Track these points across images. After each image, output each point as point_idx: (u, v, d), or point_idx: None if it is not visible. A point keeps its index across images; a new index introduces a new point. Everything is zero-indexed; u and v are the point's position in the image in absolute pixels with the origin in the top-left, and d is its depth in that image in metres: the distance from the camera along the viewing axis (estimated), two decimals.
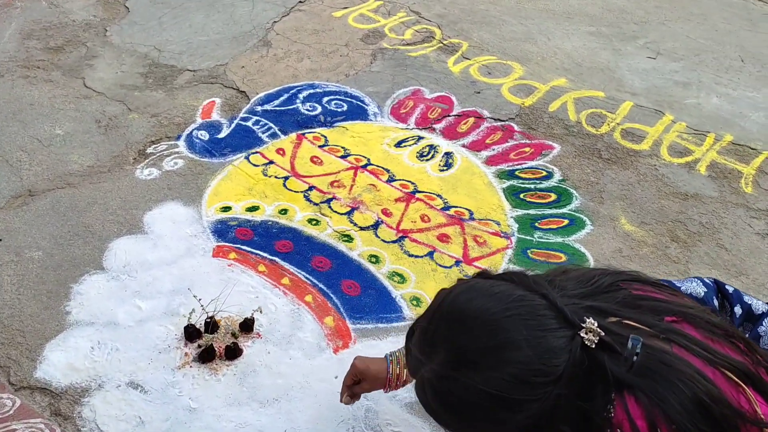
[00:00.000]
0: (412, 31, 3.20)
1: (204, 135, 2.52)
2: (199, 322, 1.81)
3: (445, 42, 3.11)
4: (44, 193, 2.24)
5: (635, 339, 0.88)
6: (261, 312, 1.84)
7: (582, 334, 0.87)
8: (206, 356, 1.76)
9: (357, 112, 2.66)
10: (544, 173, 2.39)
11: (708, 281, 1.21)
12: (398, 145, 2.50)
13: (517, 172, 2.40)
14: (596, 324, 0.88)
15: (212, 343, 1.76)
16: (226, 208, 2.22)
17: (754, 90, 2.87)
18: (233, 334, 1.81)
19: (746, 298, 1.17)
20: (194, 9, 3.28)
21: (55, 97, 2.67)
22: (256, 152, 2.45)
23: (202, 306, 1.82)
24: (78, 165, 2.37)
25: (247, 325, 1.84)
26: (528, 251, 2.10)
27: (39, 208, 2.18)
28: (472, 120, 2.63)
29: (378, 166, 2.40)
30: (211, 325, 1.81)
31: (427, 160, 2.44)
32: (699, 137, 2.56)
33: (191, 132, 2.54)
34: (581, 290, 0.96)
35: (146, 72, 2.84)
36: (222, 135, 2.53)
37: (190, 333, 1.80)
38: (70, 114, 2.59)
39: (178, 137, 2.51)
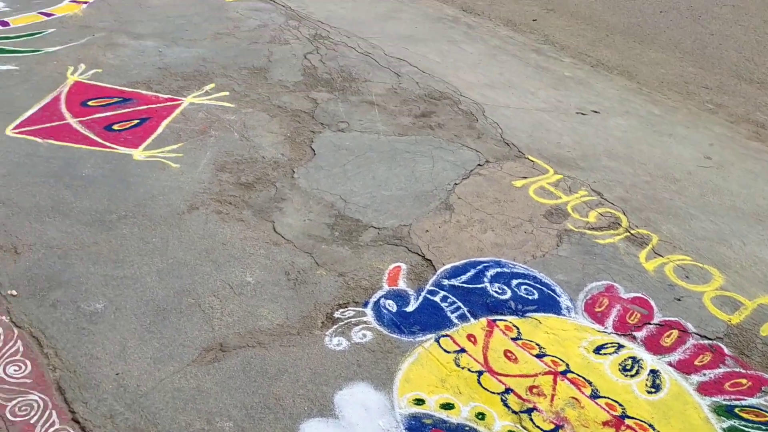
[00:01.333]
0: (596, 213, 3.09)
1: (392, 306, 2.44)
2: None
3: (632, 232, 2.98)
4: (235, 350, 2.18)
5: None
6: None
7: None
8: None
9: (549, 303, 2.52)
10: None
11: None
12: (597, 351, 2.32)
13: (737, 410, 2.15)
14: None
15: None
16: (419, 401, 2.07)
17: None
18: None
19: None
20: (377, 160, 3.33)
21: (246, 239, 2.69)
22: (447, 335, 2.33)
23: None
24: (268, 322, 2.31)
25: None
26: None
27: (230, 368, 2.11)
28: (675, 333, 2.43)
29: (579, 375, 2.21)
30: None
31: (632, 376, 2.24)
32: None
33: (378, 300, 2.46)
34: None
35: (332, 223, 2.84)
36: (410, 309, 2.43)
37: None
38: (261, 261, 2.58)
39: (365, 304, 2.43)
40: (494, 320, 2.42)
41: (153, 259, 2.52)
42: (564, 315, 2.48)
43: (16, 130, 3.14)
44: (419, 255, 2.71)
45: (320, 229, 2.80)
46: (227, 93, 3.76)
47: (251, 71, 4.07)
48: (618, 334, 2.41)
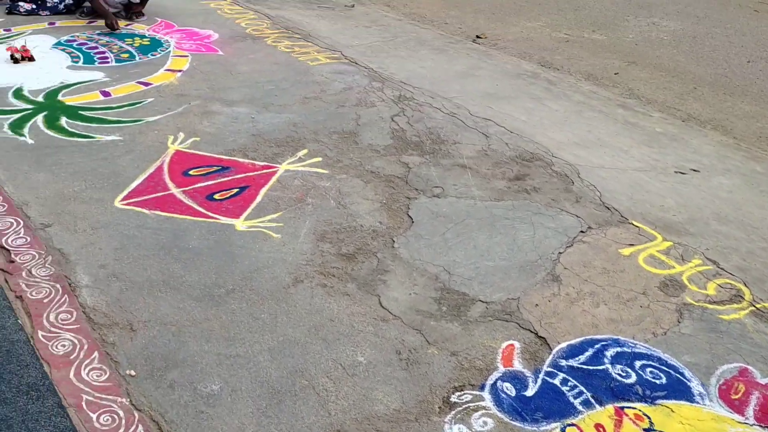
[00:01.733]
0: (714, 285, 2.91)
1: (510, 389, 2.32)
2: None
3: (757, 306, 2.79)
4: None
5: None
6: None
7: None
8: None
9: (679, 388, 2.35)
10: None
11: None
12: None
13: None
14: None
15: None
16: None
17: None
18: None
19: None
20: (476, 227, 3.25)
21: (353, 314, 2.64)
22: (573, 425, 2.19)
23: None
24: (384, 406, 2.23)
25: None
26: None
27: None
28: None
29: None
30: None
31: None
32: None
33: (495, 383, 2.35)
34: None
35: (439, 297, 2.76)
36: (529, 393, 2.31)
37: None
38: (370, 339, 2.52)
39: (482, 387, 2.33)
40: (622, 408, 2.27)
41: (264, 336, 2.50)
42: (697, 402, 2.30)
43: (124, 202, 3.23)
44: (531, 332, 2.60)
45: (427, 304, 2.73)
46: (320, 159, 3.79)
47: (341, 135, 4.10)
48: (761, 426, 2.21)
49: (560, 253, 3.10)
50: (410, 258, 3.00)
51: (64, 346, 2.35)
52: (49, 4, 6.05)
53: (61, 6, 6.07)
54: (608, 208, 3.49)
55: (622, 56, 6.25)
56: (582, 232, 3.27)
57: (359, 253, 3.02)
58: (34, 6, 6.03)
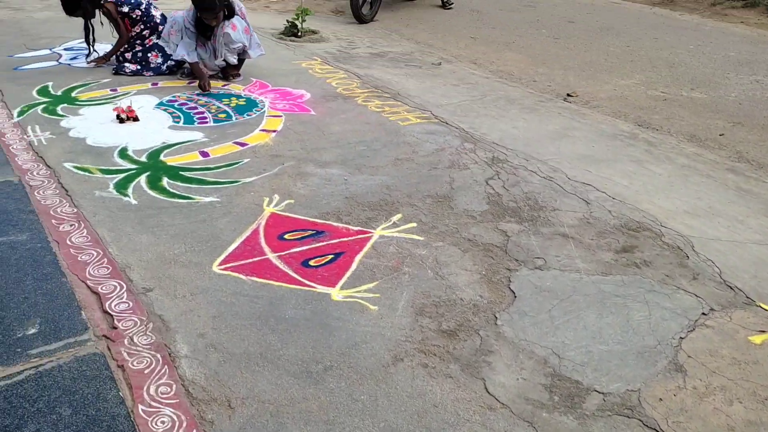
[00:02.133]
0: None
1: None
2: None
3: None
4: None
5: None
6: None
7: None
8: None
9: None
10: None
11: None
12: None
13: None
14: None
15: None
16: None
17: None
18: None
19: None
20: (584, 305, 3.04)
21: (458, 400, 2.47)
22: None
23: None
24: None
25: None
26: None
27: None
28: None
29: None
30: None
31: None
32: None
33: None
34: None
35: (550, 385, 2.56)
36: None
37: None
38: (477, 429, 2.34)
39: None
40: None
41: (364, 421, 2.36)
42: None
43: (222, 267, 3.22)
44: None
45: (537, 392, 2.52)
46: (415, 224, 3.69)
47: (435, 199, 4.00)
48: None
49: (681, 338, 2.83)
50: (515, 337, 2.81)
51: (163, 422, 2.28)
52: (152, 65, 6.36)
53: (164, 67, 6.37)
54: (731, 287, 3.20)
55: (725, 116, 5.92)
56: (704, 314, 2.99)
57: (461, 329, 2.86)
58: (138, 67, 6.35)
